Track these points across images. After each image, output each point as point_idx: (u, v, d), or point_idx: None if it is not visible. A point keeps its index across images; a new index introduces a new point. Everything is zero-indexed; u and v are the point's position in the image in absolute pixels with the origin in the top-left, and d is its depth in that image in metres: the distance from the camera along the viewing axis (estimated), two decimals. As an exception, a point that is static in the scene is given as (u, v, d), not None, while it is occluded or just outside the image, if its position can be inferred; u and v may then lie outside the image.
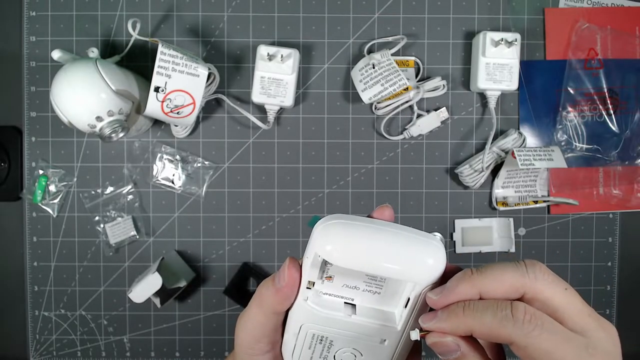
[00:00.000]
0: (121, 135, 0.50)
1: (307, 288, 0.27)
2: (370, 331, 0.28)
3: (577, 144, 0.61)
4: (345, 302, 0.28)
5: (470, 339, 0.25)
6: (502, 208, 0.61)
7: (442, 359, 0.26)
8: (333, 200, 0.61)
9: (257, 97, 0.57)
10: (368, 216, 0.28)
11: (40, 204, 0.60)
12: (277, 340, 0.31)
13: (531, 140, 0.61)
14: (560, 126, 0.61)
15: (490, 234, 0.62)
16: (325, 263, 0.26)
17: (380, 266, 0.25)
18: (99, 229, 0.61)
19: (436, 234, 0.61)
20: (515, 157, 0.55)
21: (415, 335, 0.26)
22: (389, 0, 0.60)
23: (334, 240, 0.25)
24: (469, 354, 0.25)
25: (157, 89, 0.50)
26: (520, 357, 0.24)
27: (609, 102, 0.60)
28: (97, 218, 0.61)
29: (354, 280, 0.28)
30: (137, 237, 0.61)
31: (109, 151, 0.61)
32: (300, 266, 0.27)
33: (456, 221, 0.61)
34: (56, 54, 0.51)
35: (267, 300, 0.28)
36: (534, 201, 0.61)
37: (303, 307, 0.27)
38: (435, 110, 0.60)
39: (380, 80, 0.56)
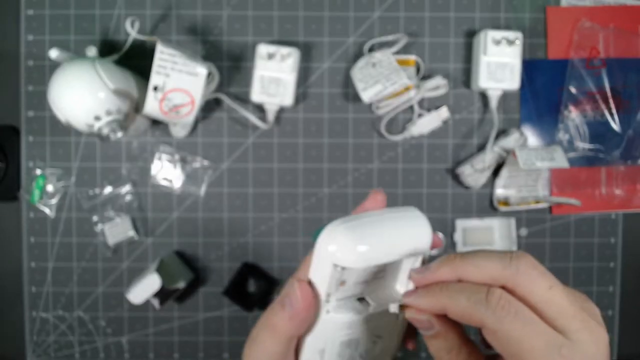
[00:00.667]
0: (119, 134, 0.50)
1: (327, 302, 0.27)
2: (386, 314, 0.28)
3: (579, 144, 0.60)
4: (357, 299, 0.28)
5: (447, 319, 0.26)
6: (503, 208, 0.60)
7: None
8: (333, 200, 0.61)
9: (256, 96, 0.57)
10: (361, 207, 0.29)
11: (37, 204, 0.60)
12: None
13: (533, 139, 0.60)
14: (562, 125, 0.60)
15: (491, 234, 0.61)
16: (341, 270, 0.26)
17: (395, 253, 0.26)
18: (97, 229, 0.60)
19: (439, 233, 0.61)
20: (516, 157, 0.55)
21: (394, 307, 0.27)
22: (389, -2, 0.60)
23: (350, 245, 0.25)
24: (443, 332, 0.26)
25: (155, 88, 0.50)
26: (490, 341, 0.24)
27: (611, 101, 0.59)
28: (95, 218, 0.60)
29: (362, 275, 0.28)
30: (136, 237, 0.60)
31: (107, 151, 0.60)
32: (308, 283, 0.27)
33: (457, 221, 0.61)
34: (54, 53, 0.51)
35: (282, 328, 0.27)
36: (535, 201, 0.60)
37: (326, 322, 0.27)
38: (436, 109, 0.60)
39: (381, 79, 0.56)
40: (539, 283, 0.24)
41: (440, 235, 0.61)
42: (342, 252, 0.25)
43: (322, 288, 0.26)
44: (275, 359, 0.29)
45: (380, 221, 0.26)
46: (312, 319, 0.27)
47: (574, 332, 0.24)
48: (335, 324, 0.27)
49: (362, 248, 0.25)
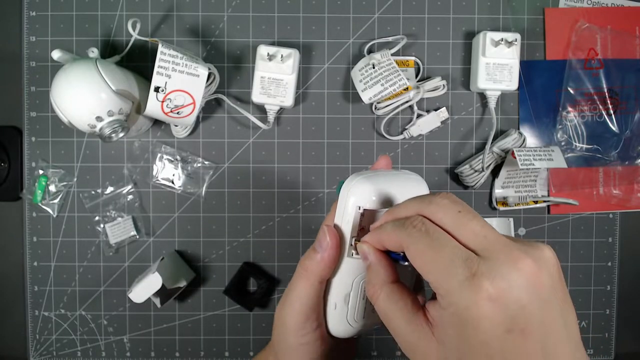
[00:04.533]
0: (121, 135, 0.50)
1: (351, 245, 0.30)
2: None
3: (577, 144, 0.61)
4: None
5: (383, 257, 0.29)
6: (502, 208, 0.61)
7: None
8: (333, 200, 0.61)
9: (257, 97, 0.57)
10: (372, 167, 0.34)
11: (40, 204, 0.60)
12: (321, 315, 0.32)
13: (531, 140, 0.61)
14: (560, 126, 0.61)
15: (490, 234, 0.61)
16: (362, 215, 0.30)
17: (402, 198, 0.30)
18: (99, 229, 0.61)
19: None
20: (515, 157, 0.55)
21: (352, 241, 0.31)
22: (389, 0, 0.60)
23: (370, 190, 0.30)
24: (374, 264, 0.28)
25: (157, 89, 0.50)
26: (411, 262, 0.26)
27: (609, 102, 0.60)
28: (97, 218, 0.61)
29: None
30: (137, 237, 0.61)
31: (109, 151, 0.61)
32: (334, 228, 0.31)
33: (456, 221, 0.61)
34: (56, 54, 0.51)
35: (313, 270, 0.31)
36: (534, 201, 0.61)
37: (351, 263, 0.31)
38: (435, 110, 0.60)
39: (380, 80, 0.56)
40: (449, 209, 0.26)
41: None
42: (362, 194, 0.30)
43: (346, 230, 0.30)
44: (309, 305, 0.31)
45: (389, 175, 0.31)
46: (338, 261, 0.31)
47: (485, 250, 0.24)
48: (358, 266, 0.31)
49: (378, 191, 0.30)
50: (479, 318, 0.23)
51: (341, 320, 0.32)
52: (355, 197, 0.30)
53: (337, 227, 0.31)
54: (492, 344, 0.23)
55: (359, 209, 0.30)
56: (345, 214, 0.30)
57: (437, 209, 0.26)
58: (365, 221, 0.31)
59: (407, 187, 0.31)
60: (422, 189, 0.32)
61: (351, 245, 0.30)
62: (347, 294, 0.31)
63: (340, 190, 0.31)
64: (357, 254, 0.30)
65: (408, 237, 0.25)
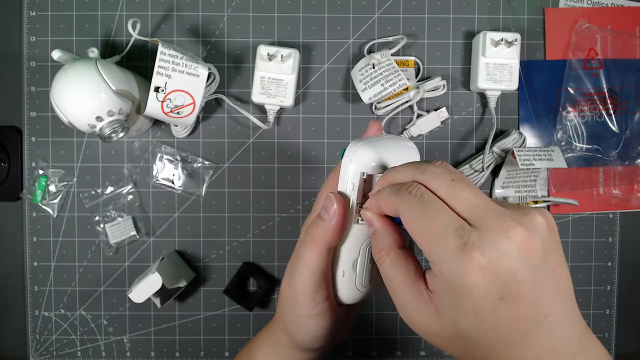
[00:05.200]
0: (121, 135, 0.50)
1: (356, 211, 0.31)
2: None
3: (577, 144, 0.61)
4: None
5: (387, 222, 0.29)
6: (502, 208, 0.61)
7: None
8: (333, 200, 0.61)
9: (257, 97, 0.57)
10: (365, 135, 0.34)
11: (40, 204, 0.60)
12: (330, 284, 0.32)
13: (531, 140, 0.61)
14: (560, 126, 0.61)
15: (490, 234, 0.61)
16: (364, 182, 0.31)
17: (400, 162, 0.31)
18: (99, 229, 0.61)
19: None
20: (515, 157, 0.55)
21: (356, 209, 0.31)
22: (389, 0, 0.60)
23: (374, 155, 0.30)
24: (379, 230, 0.29)
25: (157, 89, 0.50)
26: (406, 228, 0.26)
27: (609, 102, 0.60)
28: (97, 218, 0.61)
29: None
30: (137, 237, 0.61)
31: (109, 151, 0.61)
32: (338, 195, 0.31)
33: (456, 221, 0.61)
34: (56, 54, 0.51)
35: (322, 238, 0.30)
36: (534, 201, 0.61)
37: (358, 230, 0.31)
38: (435, 110, 0.60)
39: (380, 80, 0.56)
40: (443, 177, 0.26)
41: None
42: (366, 160, 0.30)
43: (352, 197, 0.31)
44: (319, 274, 0.31)
45: (388, 140, 0.32)
46: (345, 228, 0.31)
47: (477, 220, 0.24)
48: (365, 232, 0.31)
49: (380, 157, 0.30)
50: (470, 286, 0.23)
51: (350, 287, 0.32)
52: (359, 163, 0.30)
53: (342, 194, 0.31)
54: (485, 309, 0.23)
55: (363, 174, 0.30)
56: (350, 181, 0.31)
57: (431, 178, 0.26)
58: (367, 187, 0.31)
59: (405, 152, 0.32)
60: (416, 154, 0.32)
61: (357, 212, 0.31)
62: (354, 261, 0.31)
63: (342, 156, 0.31)
64: (363, 220, 0.30)
65: (403, 203, 0.26)
